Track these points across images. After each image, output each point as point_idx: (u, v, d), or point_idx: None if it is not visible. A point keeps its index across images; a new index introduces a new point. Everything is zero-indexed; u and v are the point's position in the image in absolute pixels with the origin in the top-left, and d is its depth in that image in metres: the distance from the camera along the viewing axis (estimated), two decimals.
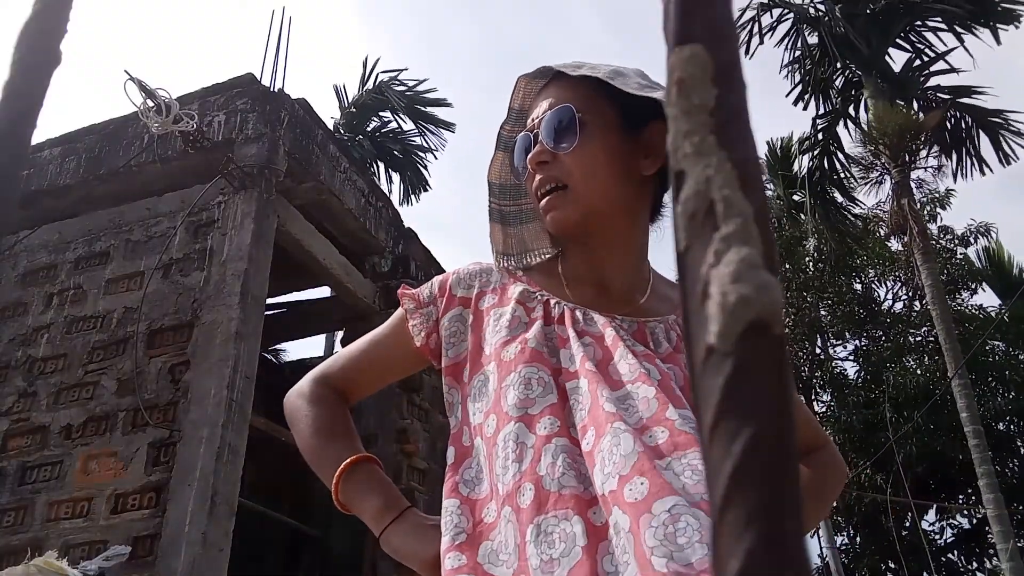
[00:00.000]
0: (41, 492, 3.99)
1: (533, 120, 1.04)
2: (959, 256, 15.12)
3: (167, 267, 4.43)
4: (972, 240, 14.99)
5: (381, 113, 11.77)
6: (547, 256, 1.11)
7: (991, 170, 9.92)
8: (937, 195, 14.61)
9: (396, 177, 11.70)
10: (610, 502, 0.81)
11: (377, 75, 11.75)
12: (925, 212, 14.92)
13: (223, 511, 3.66)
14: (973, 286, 15.03)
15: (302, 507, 5.51)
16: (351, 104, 11.76)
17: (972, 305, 15.04)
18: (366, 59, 11.87)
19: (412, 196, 11.70)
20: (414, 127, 11.60)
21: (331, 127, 11.49)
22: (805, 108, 10.75)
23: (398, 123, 11.74)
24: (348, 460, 1.04)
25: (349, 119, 11.73)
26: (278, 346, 7.83)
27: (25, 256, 4.93)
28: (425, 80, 11.58)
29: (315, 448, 1.08)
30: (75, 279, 4.69)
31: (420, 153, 11.66)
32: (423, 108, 11.41)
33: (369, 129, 11.81)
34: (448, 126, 11.45)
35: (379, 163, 11.66)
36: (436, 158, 11.86)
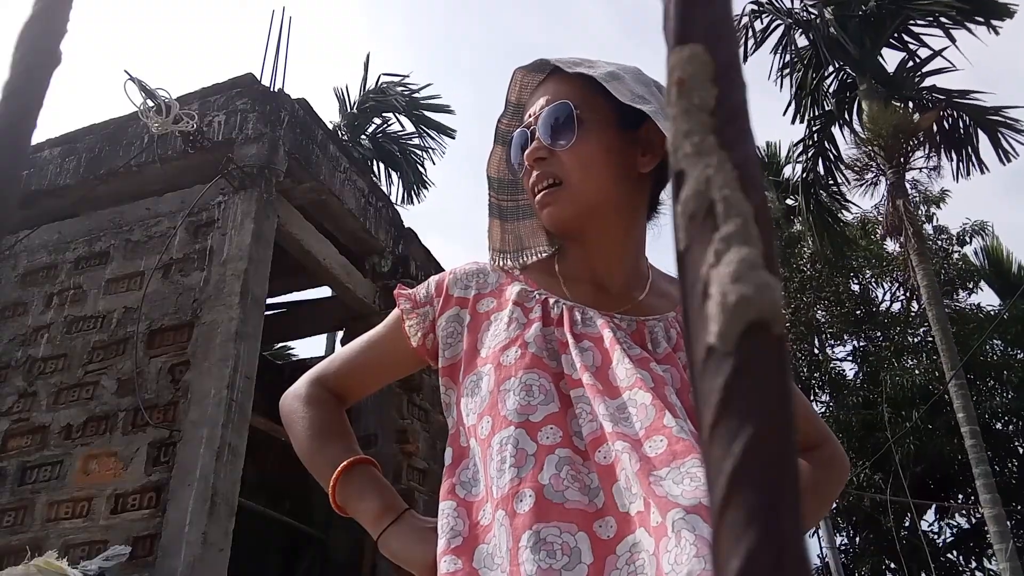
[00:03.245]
0: (41, 492, 3.99)
1: (530, 116, 1.04)
2: (956, 255, 15.12)
3: (167, 267, 4.43)
4: (967, 239, 14.99)
5: (384, 114, 11.79)
6: (543, 254, 1.10)
7: (988, 169, 9.91)
8: (931, 195, 14.61)
9: (396, 177, 11.72)
10: (636, 523, 0.81)
11: (379, 76, 11.80)
12: (920, 213, 14.94)
13: (223, 511, 3.65)
14: (971, 285, 15.03)
15: (302, 507, 5.51)
16: (353, 106, 11.78)
17: (970, 305, 15.04)
18: (367, 57, 11.87)
19: (414, 196, 11.72)
20: (414, 129, 11.63)
21: (332, 129, 11.55)
22: (803, 121, 10.73)
23: (401, 124, 11.77)
24: (345, 463, 1.03)
25: (351, 120, 11.75)
26: (289, 344, 7.82)
27: (25, 256, 4.93)
28: (428, 85, 11.66)
29: (312, 450, 1.08)
30: (75, 279, 4.69)
31: (419, 153, 11.68)
32: (425, 113, 11.44)
33: (369, 131, 11.83)
34: (449, 132, 11.47)
35: (380, 163, 11.68)
36: (434, 163, 11.92)
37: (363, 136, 11.67)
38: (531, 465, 0.87)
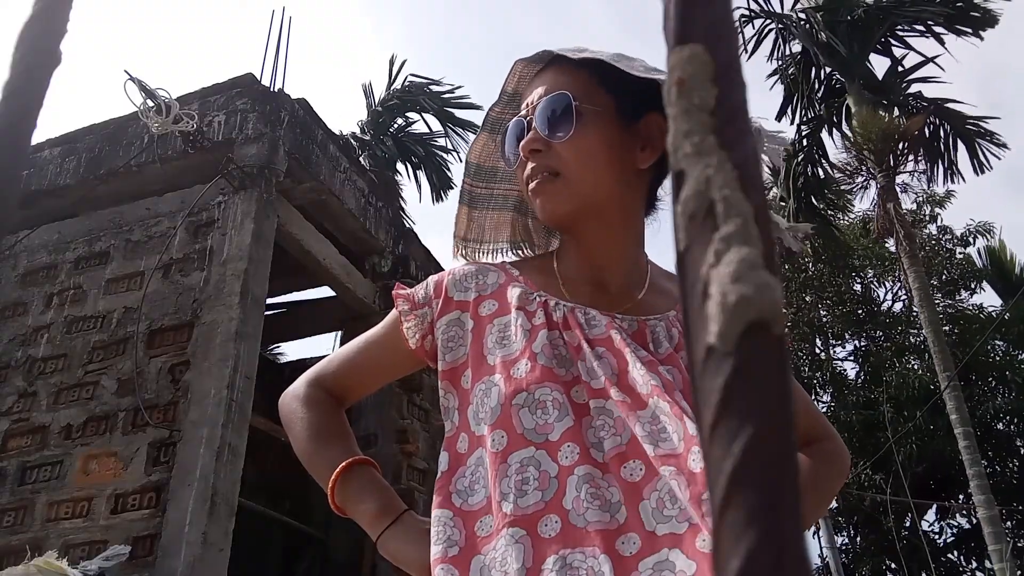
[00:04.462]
0: (41, 492, 3.99)
1: (527, 105, 1.02)
2: (959, 256, 15.11)
3: (167, 267, 4.43)
4: (971, 241, 14.99)
5: (408, 114, 11.82)
6: (502, 251, 1.10)
7: (963, 179, 10.07)
8: (936, 196, 14.62)
9: (423, 177, 11.77)
10: (668, 543, 0.81)
11: (406, 77, 11.80)
12: (924, 213, 14.94)
13: (223, 511, 3.65)
14: (973, 286, 15.03)
15: (302, 507, 5.51)
16: (377, 103, 11.80)
17: (972, 305, 15.04)
18: (392, 58, 11.89)
19: (440, 196, 11.77)
20: (440, 129, 11.68)
21: (357, 127, 11.62)
22: (792, 122, 10.82)
23: (427, 124, 11.81)
24: (344, 463, 1.02)
25: (375, 117, 11.76)
26: (277, 347, 7.85)
27: (25, 256, 4.93)
28: (460, 87, 11.71)
29: (311, 451, 1.07)
30: (75, 279, 4.69)
31: (443, 154, 11.73)
32: (455, 112, 11.49)
33: (392, 130, 11.85)
34: (478, 129, 11.55)
35: (406, 163, 11.72)
36: (462, 160, 11.89)
37: (383, 135, 11.70)
38: (554, 488, 0.87)
